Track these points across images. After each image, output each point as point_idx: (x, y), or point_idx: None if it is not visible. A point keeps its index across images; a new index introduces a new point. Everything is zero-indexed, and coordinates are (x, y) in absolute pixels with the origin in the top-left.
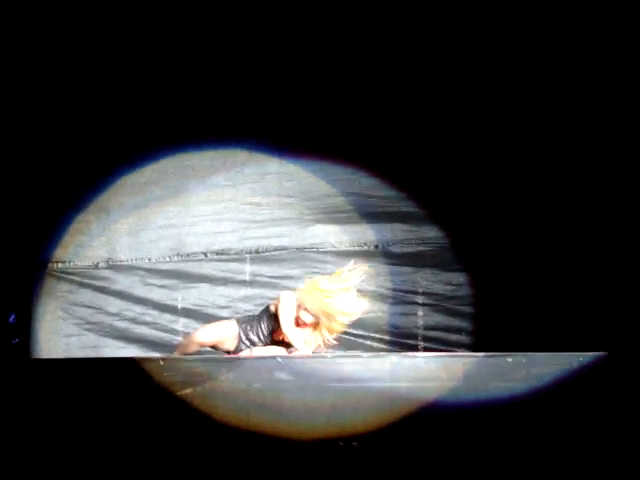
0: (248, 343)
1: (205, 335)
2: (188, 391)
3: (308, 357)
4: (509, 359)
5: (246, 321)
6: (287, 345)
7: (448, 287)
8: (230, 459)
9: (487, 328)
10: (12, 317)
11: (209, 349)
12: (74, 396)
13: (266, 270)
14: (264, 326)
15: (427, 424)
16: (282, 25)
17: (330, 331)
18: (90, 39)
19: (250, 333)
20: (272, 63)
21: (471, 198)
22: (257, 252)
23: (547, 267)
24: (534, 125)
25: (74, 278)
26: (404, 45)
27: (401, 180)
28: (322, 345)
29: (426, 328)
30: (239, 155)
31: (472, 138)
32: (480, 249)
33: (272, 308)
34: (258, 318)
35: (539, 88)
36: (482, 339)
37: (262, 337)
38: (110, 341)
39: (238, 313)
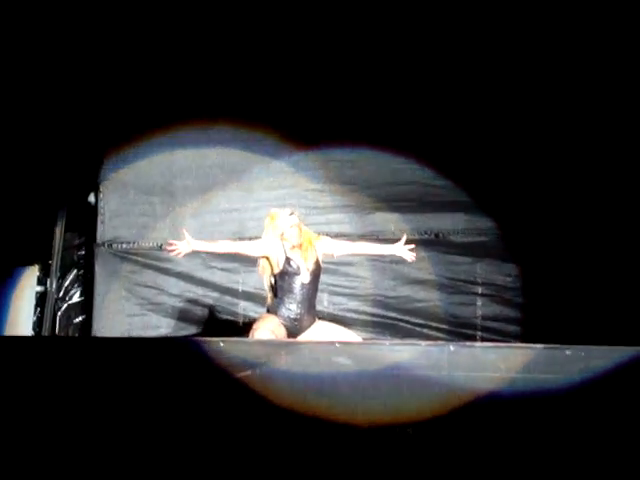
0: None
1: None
2: (247, 373)
3: (366, 344)
4: (567, 351)
5: (273, 306)
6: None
7: (507, 278)
8: (286, 442)
9: (542, 319)
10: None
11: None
12: (134, 375)
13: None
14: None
15: (483, 414)
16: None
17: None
18: None
19: (283, 307)
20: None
21: (526, 189)
22: None
23: (603, 259)
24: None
25: (138, 259)
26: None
27: (458, 170)
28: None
29: (484, 318)
30: (302, 141)
31: (528, 132)
32: (535, 241)
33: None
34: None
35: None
36: (537, 330)
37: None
38: (172, 322)
39: None
